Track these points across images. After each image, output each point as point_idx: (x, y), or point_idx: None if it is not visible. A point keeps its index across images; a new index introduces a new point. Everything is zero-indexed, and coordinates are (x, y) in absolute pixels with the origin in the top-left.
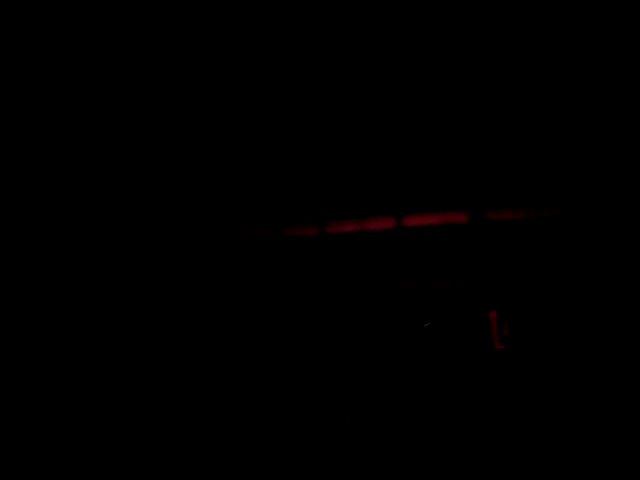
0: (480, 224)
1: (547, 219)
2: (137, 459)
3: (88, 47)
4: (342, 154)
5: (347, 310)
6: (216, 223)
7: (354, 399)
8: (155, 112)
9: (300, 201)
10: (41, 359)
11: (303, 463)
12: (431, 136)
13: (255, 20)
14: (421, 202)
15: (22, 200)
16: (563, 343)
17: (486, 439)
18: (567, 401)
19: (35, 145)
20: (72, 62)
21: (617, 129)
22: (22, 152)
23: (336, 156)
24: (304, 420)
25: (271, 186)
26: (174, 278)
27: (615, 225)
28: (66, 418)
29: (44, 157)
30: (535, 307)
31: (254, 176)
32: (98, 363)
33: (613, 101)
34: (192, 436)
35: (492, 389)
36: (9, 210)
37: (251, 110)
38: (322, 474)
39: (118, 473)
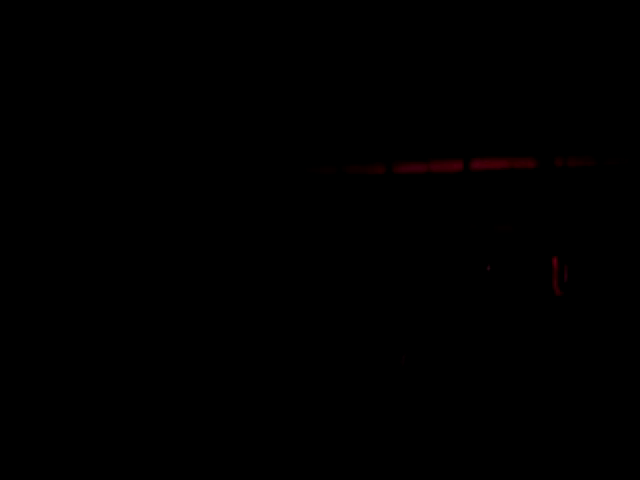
0: (548, 170)
1: (617, 167)
2: (137, 458)
3: (88, 47)
4: (412, 93)
5: (409, 250)
6: (279, 160)
7: (412, 337)
8: (219, 51)
9: (367, 139)
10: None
11: (361, 395)
12: (504, 79)
13: None
14: (490, 146)
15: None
16: (624, 293)
17: (542, 381)
18: (628, 352)
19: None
20: (72, 61)
21: None
22: (22, 149)
23: (406, 95)
24: (362, 353)
25: (338, 123)
26: (235, 217)
27: None
28: (66, 416)
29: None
30: (597, 255)
31: (323, 112)
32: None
33: None
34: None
35: (551, 335)
36: (9, 207)
37: (319, 46)
38: (378, 412)
39: (118, 473)
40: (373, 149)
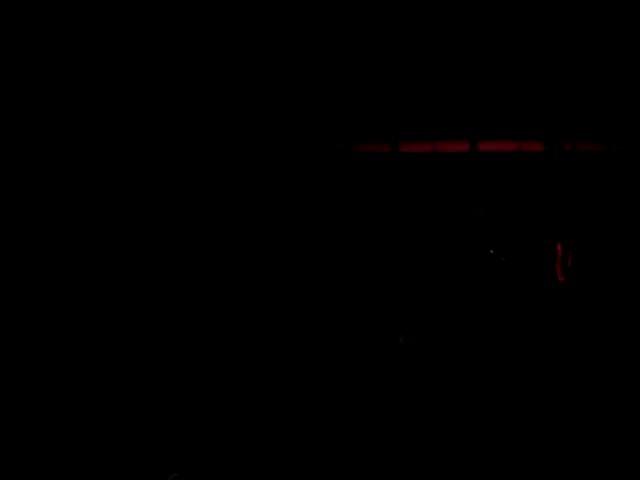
0: (556, 154)
1: (624, 153)
2: (137, 457)
3: (88, 47)
4: (421, 73)
5: (413, 230)
6: (289, 137)
7: (411, 318)
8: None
9: (374, 118)
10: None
11: (356, 375)
12: (515, 62)
13: None
14: (498, 128)
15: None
16: (627, 280)
17: (546, 365)
18: (629, 336)
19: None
20: (72, 62)
21: None
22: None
23: (415, 75)
24: (361, 334)
25: (346, 102)
26: (246, 195)
27: None
28: (66, 416)
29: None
30: (601, 242)
31: (331, 91)
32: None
33: None
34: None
35: (553, 320)
36: (9, 209)
37: (332, 29)
38: (375, 390)
39: (117, 472)
40: (380, 128)
